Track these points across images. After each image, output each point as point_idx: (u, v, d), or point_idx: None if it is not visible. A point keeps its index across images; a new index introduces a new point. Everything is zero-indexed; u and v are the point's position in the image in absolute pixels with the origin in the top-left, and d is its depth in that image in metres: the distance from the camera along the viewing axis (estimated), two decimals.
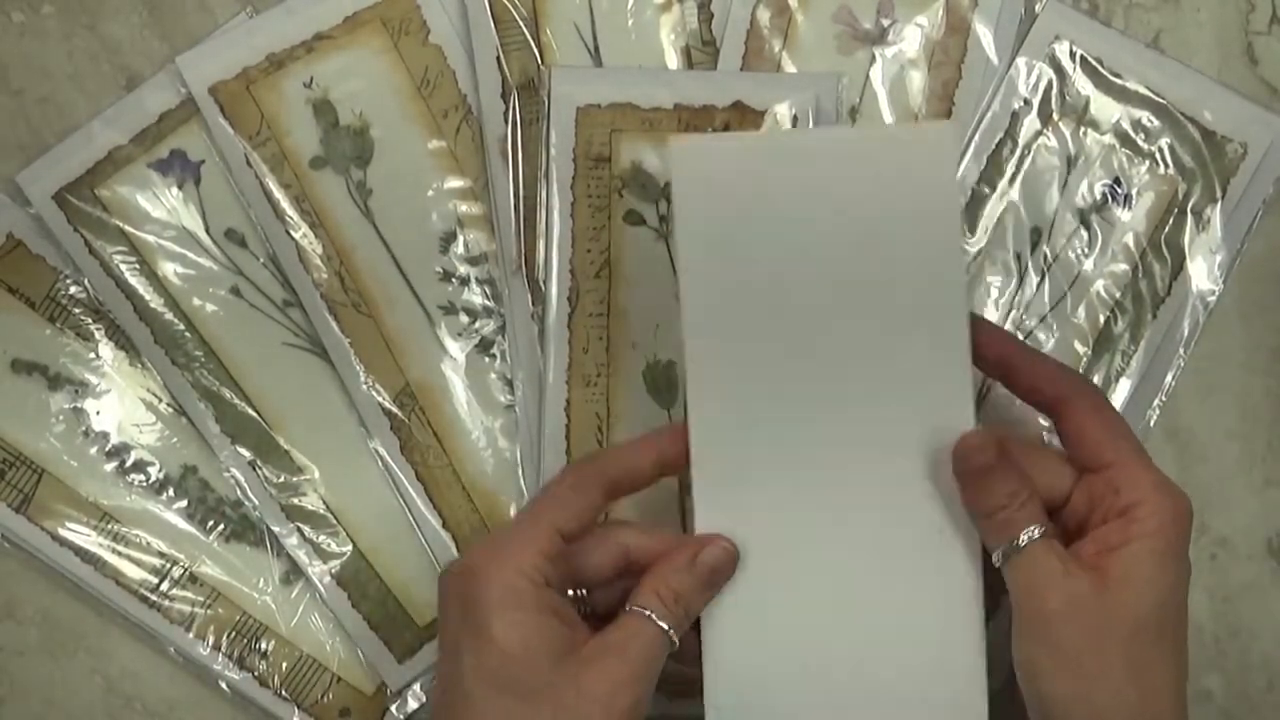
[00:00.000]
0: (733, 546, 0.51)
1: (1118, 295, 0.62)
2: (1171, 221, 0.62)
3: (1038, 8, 0.63)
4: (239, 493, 0.62)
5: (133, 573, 0.62)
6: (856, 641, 0.52)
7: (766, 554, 0.52)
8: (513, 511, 0.63)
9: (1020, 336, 0.62)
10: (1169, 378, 0.62)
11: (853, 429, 0.51)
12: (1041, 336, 0.62)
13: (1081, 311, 0.62)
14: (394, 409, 0.62)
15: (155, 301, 0.62)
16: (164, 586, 0.62)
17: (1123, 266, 0.62)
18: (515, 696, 0.47)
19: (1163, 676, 0.48)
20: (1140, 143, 0.62)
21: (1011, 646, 0.49)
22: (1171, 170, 0.62)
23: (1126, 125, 0.62)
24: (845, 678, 0.52)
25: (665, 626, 0.49)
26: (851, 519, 0.51)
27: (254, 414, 0.62)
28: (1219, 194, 0.62)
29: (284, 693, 0.62)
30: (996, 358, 0.53)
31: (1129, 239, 0.62)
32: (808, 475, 0.51)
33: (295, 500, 0.62)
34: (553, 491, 0.52)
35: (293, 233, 0.62)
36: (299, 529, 0.62)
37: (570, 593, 0.51)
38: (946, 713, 0.52)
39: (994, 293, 0.62)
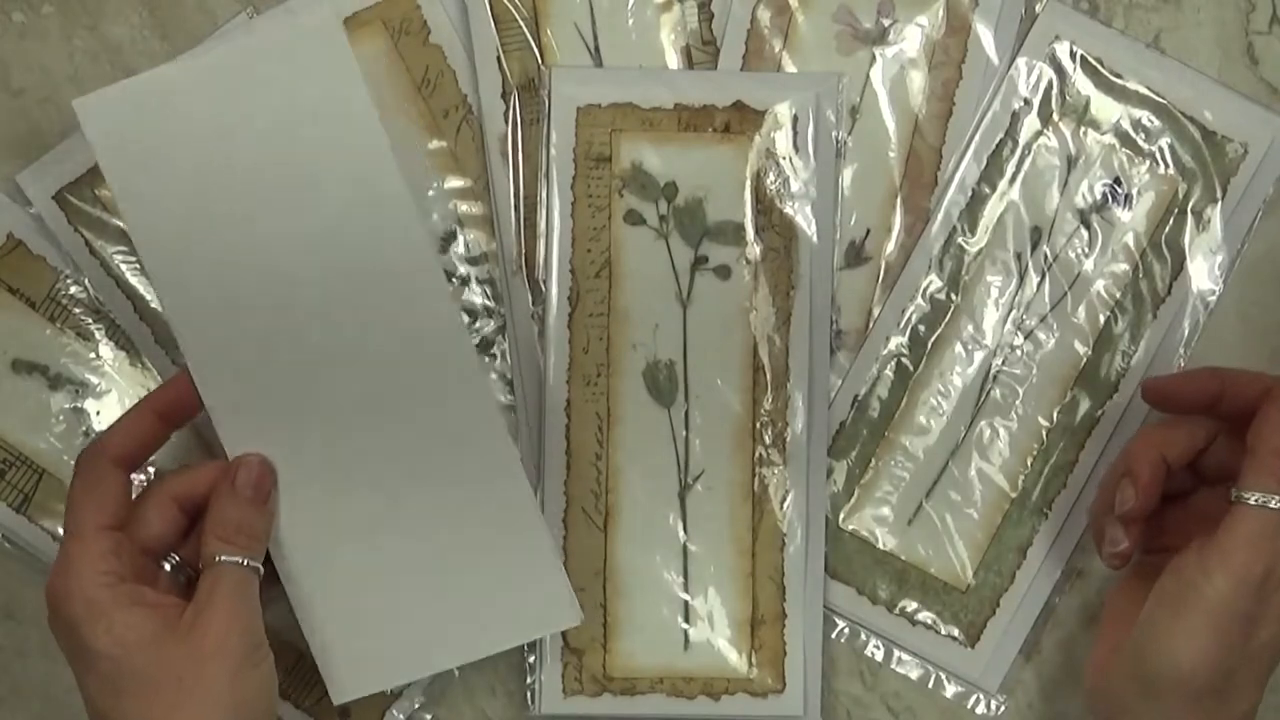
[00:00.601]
0: (261, 457, 0.53)
1: (1118, 295, 0.62)
2: (1171, 221, 0.62)
3: (1038, 8, 0.63)
4: None
5: None
6: (419, 539, 0.54)
7: (302, 468, 0.54)
8: None
9: (1020, 336, 0.62)
10: None
11: (343, 341, 0.53)
12: (1042, 336, 0.62)
13: (1082, 311, 0.62)
14: None
15: (156, 302, 0.62)
16: None
17: (1123, 266, 0.62)
18: (140, 693, 0.49)
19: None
20: (1140, 143, 0.62)
21: (1167, 576, 0.52)
22: (1171, 170, 0.62)
23: (1127, 125, 0.62)
24: (418, 574, 0.54)
25: (239, 560, 0.51)
26: (372, 423, 0.54)
27: None
28: (1219, 194, 0.62)
29: (284, 692, 0.62)
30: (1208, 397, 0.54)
31: (1129, 239, 0.62)
32: (314, 392, 0.53)
33: None
34: (72, 494, 0.52)
35: None
36: None
37: (167, 566, 0.53)
38: (531, 594, 0.55)
39: (994, 292, 0.62)
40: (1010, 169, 0.63)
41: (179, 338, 0.53)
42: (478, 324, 0.63)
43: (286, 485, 0.54)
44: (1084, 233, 0.62)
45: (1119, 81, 0.62)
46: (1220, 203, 0.62)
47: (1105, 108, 0.62)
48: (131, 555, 0.52)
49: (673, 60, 0.63)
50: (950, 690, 0.62)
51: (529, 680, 0.61)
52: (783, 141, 0.62)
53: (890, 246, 0.63)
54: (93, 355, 0.62)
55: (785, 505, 0.61)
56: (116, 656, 0.49)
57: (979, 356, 0.62)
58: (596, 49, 0.63)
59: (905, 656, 0.62)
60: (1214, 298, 0.62)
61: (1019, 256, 0.62)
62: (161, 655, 0.49)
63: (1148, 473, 0.54)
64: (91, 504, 0.52)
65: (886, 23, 0.63)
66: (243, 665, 0.50)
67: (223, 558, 0.51)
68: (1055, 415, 0.62)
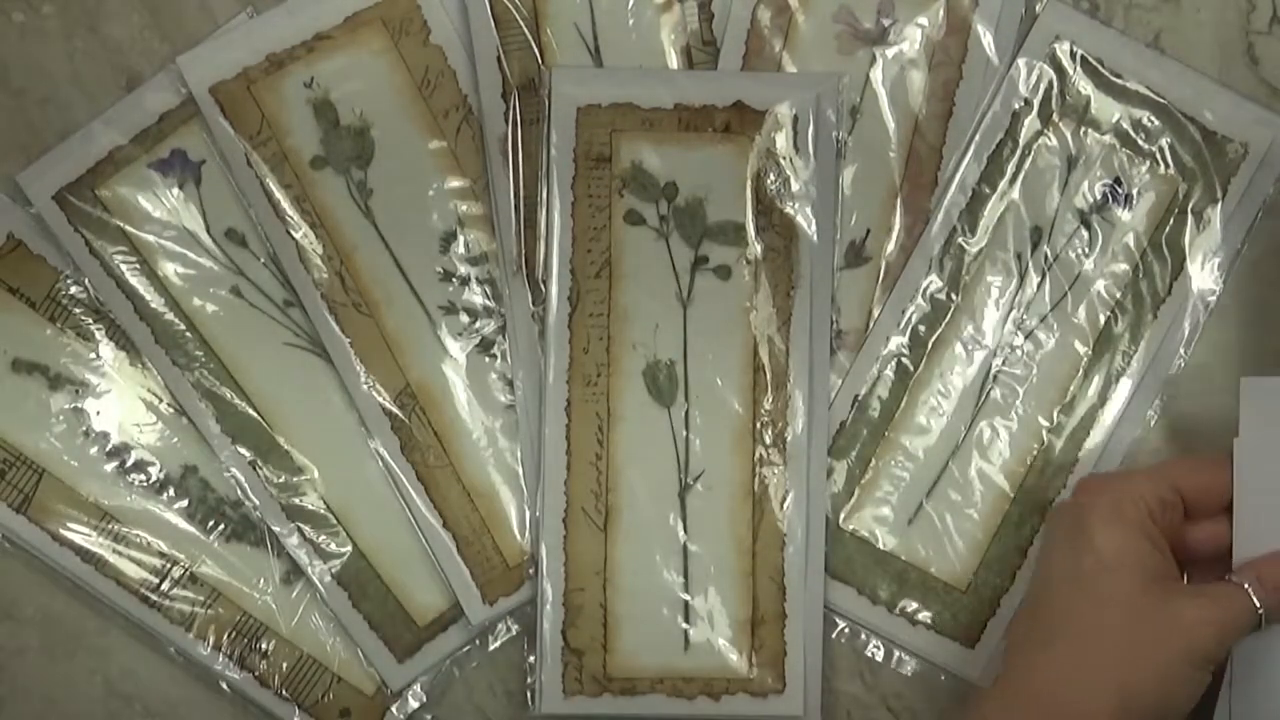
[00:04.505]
0: None
1: (1118, 295, 0.62)
2: (1172, 221, 0.62)
3: (1038, 8, 0.63)
4: (239, 493, 0.62)
5: (133, 573, 0.62)
6: None
7: None
8: (513, 511, 0.63)
9: (1020, 336, 0.62)
10: (1169, 377, 0.62)
11: None
12: (1042, 336, 0.62)
13: (1082, 311, 0.62)
14: (394, 409, 0.62)
15: (156, 301, 0.62)
16: (164, 586, 0.62)
17: (1123, 266, 0.62)
18: (1095, 601, 0.50)
19: None
20: (1141, 143, 0.62)
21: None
22: (1172, 170, 0.62)
23: (1127, 125, 0.62)
24: None
25: (1257, 604, 0.51)
26: None
27: (254, 414, 0.62)
28: (1219, 194, 0.62)
29: (284, 692, 0.62)
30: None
31: (1129, 239, 0.62)
32: None
33: (295, 500, 0.62)
34: (1188, 458, 0.57)
35: (293, 233, 0.62)
36: (299, 529, 0.62)
37: None
38: None
39: (994, 293, 0.62)
40: (1010, 169, 0.63)
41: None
42: (477, 324, 0.63)
43: None
44: (1084, 233, 0.62)
45: (1119, 81, 0.62)
46: (1220, 203, 0.62)
47: (1105, 108, 0.62)
48: (1167, 522, 0.53)
49: (673, 60, 0.63)
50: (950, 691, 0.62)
51: (529, 680, 0.62)
52: (783, 141, 0.62)
53: (890, 246, 0.63)
54: (93, 355, 0.62)
55: (785, 505, 0.61)
56: (1106, 562, 0.51)
57: (979, 356, 0.62)
58: (596, 49, 0.63)
59: (905, 656, 0.62)
60: (1214, 298, 0.62)
61: (1019, 256, 0.62)
62: (1138, 590, 0.51)
63: None
64: (1192, 469, 0.54)
65: (886, 23, 0.63)
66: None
67: (1250, 589, 0.51)
68: (1055, 415, 0.62)
